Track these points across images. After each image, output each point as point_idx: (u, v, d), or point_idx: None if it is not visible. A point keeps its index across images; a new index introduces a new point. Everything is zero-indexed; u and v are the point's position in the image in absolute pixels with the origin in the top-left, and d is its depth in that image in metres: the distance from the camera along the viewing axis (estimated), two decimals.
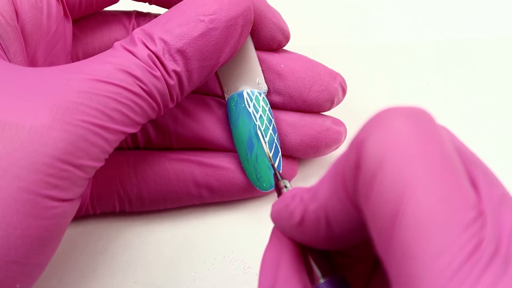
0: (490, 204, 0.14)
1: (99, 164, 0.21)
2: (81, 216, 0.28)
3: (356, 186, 0.15)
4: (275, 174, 0.24)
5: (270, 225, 0.29)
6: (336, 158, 0.16)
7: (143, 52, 0.22)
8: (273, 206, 0.19)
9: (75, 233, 0.28)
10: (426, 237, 0.13)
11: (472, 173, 0.15)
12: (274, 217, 0.19)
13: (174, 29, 0.23)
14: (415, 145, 0.14)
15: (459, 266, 0.12)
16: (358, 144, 0.15)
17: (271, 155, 0.27)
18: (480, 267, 0.12)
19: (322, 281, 0.18)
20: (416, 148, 0.14)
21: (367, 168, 0.14)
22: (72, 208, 0.21)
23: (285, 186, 0.23)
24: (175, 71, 0.23)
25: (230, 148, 0.28)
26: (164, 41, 0.23)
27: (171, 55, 0.23)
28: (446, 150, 0.14)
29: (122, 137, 0.22)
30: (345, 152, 0.16)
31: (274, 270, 0.18)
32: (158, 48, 0.22)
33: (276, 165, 0.27)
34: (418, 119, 0.14)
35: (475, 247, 0.13)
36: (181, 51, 0.23)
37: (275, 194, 0.29)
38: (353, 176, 0.15)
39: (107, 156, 0.21)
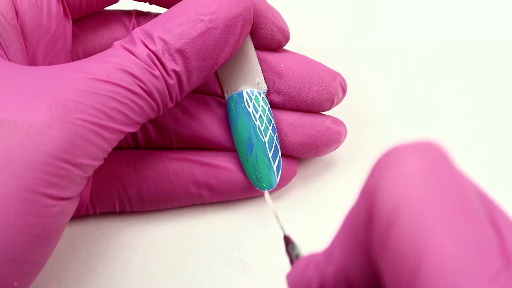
0: None
1: (97, 163, 0.21)
2: (81, 216, 0.28)
3: (371, 239, 0.13)
4: (285, 238, 0.22)
5: (270, 224, 0.29)
6: (347, 212, 0.15)
7: (142, 52, 0.22)
8: (288, 277, 0.18)
9: (75, 233, 0.28)
10: None
11: (494, 217, 0.14)
12: (292, 284, 0.17)
13: (174, 28, 0.23)
14: (431, 189, 0.13)
15: None
16: (369, 192, 0.13)
17: (271, 155, 0.27)
18: None
19: None
20: (433, 192, 0.13)
21: (381, 217, 0.13)
22: (71, 207, 0.21)
23: (294, 250, 0.22)
24: (174, 71, 0.23)
25: (230, 147, 0.28)
26: (164, 41, 0.23)
27: (170, 54, 0.23)
28: (465, 192, 0.13)
29: (121, 136, 0.22)
30: (355, 202, 0.14)
31: None
32: (158, 47, 0.22)
33: (276, 165, 0.27)
34: (432, 156, 0.13)
35: None
36: (180, 51, 0.23)
37: (276, 194, 0.29)
38: (366, 227, 0.13)
39: (106, 155, 0.21)
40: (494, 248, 0.12)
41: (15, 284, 0.19)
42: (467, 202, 0.13)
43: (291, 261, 0.21)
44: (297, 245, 0.22)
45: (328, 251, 0.16)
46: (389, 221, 0.13)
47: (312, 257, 0.17)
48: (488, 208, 0.14)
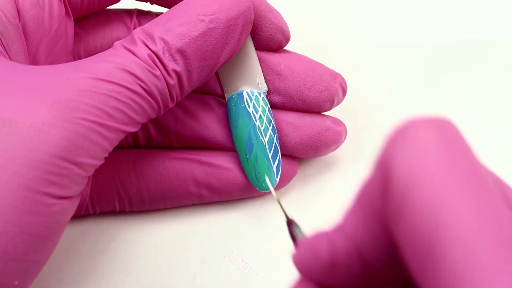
0: None
1: (98, 163, 0.21)
2: (81, 215, 0.28)
3: (386, 210, 0.14)
4: (288, 221, 0.22)
5: (270, 225, 0.29)
6: (360, 185, 0.15)
7: (143, 52, 0.22)
8: (295, 253, 0.18)
9: (75, 233, 0.28)
10: (470, 260, 0.12)
11: (503, 189, 0.14)
12: (298, 262, 0.17)
13: (174, 28, 0.23)
14: (445, 160, 0.13)
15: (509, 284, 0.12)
16: (384, 163, 0.14)
17: (270, 155, 0.27)
18: None
19: None
20: (446, 163, 0.13)
21: (396, 187, 0.13)
22: (71, 206, 0.21)
23: (299, 232, 0.22)
24: (175, 71, 0.23)
25: (230, 147, 0.28)
26: (164, 41, 0.23)
27: (171, 54, 0.23)
28: (476, 164, 0.13)
29: (122, 136, 0.22)
30: (369, 175, 0.15)
31: None
32: (158, 47, 0.22)
33: (275, 165, 0.27)
34: (445, 130, 0.13)
35: None
36: (181, 51, 0.23)
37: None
38: (382, 197, 0.14)
39: (106, 155, 0.21)
40: (506, 218, 0.13)
41: (16, 283, 0.19)
42: (480, 174, 0.13)
43: (296, 243, 0.21)
44: (302, 228, 0.21)
45: (340, 225, 0.16)
46: (404, 191, 0.13)
47: (321, 232, 0.16)
48: (499, 184, 0.14)
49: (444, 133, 0.13)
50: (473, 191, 0.13)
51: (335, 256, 0.15)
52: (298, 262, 0.17)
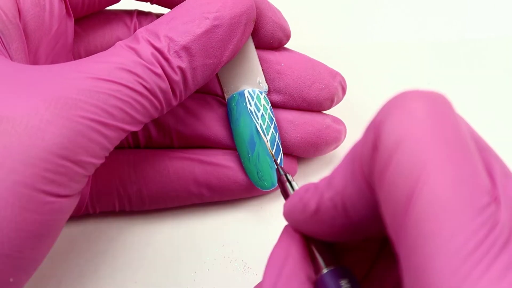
0: (505, 193, 0.14)
1: (98, 161, 0.21)
2: (81, 215, 0.28)
3: (373, 167, 0.15)
4: (277, 169, 0.24)
5: (271, 225, 0.29)
6: (353, 144, 0.16)
7: (146, 50, 0.22)
8: (286, 202, 0.19)
9: (75, 233, 0.28)
10: (440, 219, 0.13)
11: (488, 162, 0.15)
12: (287, 211, 0.19)
13: (179, 26, 0.23)
14: (432, 128, 0.14)
15: (473, 248, 0.12)
16: (376, 125, 0.15)
17: (273, 152, 0.27)
18: (495, 250, 0.13)
19: (325, 271, 0.18)
20: (433, 130, 0.14)
21: (384, 148, 0.14)
22: (70, 205, 0.21)
23: (289, 181, 0.23)
24: (180, 67, 0.23)
25: (231, 146, 0.28)
26: (170, 38, 0.23)
27: (176, 51, 0.23)
28: (462, 135, 0.14)
29: (123, 135, 0.22)
30: (362, 135, 0.16)
31: (280, 265, 0.18)
32: (164, 44, 0.23)
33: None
34: (436, 103, 0.14)
35: (489, 230, 0.13)
36: (186, 48, 0.23)
37: (276, 194, 0.29)
38: (370, 156, 0.15)
39: (107, 154, 0.21)
40: (485, 187, 0.13)
41: (11, 279, 0.19)
42: (464, 144, 0.14)
43: (283, 190, 0.23)
44: (295, 184, 0.23)
45: (330, 177, 0.17)
46: (390, 151, 0.14)
47: (312, 183, 0.18)
48: (484, 154, 0.15)
49: (435, 104, 0.14)
50: (454, 158, 0.13)
51: (322, 205, 0.17)
52: (287, 210, 0.18)
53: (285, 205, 0.19)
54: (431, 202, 0.13)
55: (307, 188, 0.18)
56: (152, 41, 0.22)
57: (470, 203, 0.13)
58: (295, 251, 0.18)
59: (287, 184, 0.23)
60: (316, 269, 0.18)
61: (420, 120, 0.14)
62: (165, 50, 0.22)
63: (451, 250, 0.12)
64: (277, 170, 0.24)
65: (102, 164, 0.22)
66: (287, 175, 0.23)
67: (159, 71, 0.22)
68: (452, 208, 0.13)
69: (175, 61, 0.23)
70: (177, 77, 0.23)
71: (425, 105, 0.14)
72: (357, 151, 0.16)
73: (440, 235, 0.13)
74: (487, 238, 0.13)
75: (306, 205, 0.17)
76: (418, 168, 0.13)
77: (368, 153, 0.15)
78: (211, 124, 0.28)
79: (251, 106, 0.27)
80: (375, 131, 0.15)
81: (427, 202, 0.13)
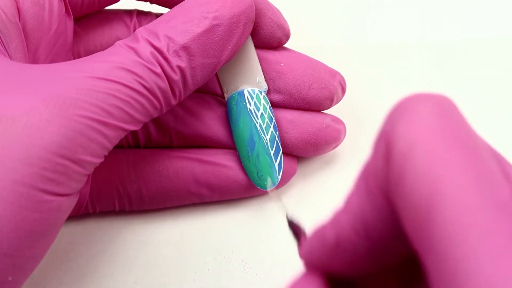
0: None
1: (98, 160, 0.21)
2: (81, 215, 0.28)
3: (388, 177, 0.14)
4: (290, 223, 0.22)
5: (270, 225, 0.29)
6: (363, 163, 0.16)
7: (145, 49, 0.22)
8: (303, 243, 0.18)
9: (75, 233, 0.28)
10: (467, 219, 0.12)
11: (502, 164, 0.15)
12: (305, 251, 0.17)
13: (178, 26, 0.23)
14: (444, 129, 0.14)
15: (507, 243, 0.12)
16: (386, 134, 0.14)
17: (272, 153, 0.27)
18: None
19: None
20: (445, 132, 0.14)
21: (397, 154, 0.14)
22: (69, 204, 0.21)
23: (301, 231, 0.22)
24: (179, 67, 0.23)
25: (230, 145, 0.28)
26: (169, 37, 0.23)
27: (175, 51, 0.23)
28: (473, 135, 0.14)
29: (123, 134, 0.22)
30: (372, 149, 0.15)
31: None
32: (163, 44, 0.23)
33: (277, 163, 0.27)
34: (443, 105, 0.14)
35: None
36: (185, 47, 0.23)
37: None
38: (384, 166, 0.14)
39: (106, 153, 0.21)
40: (502, 184, 0.13)
41: (10, 278, 0.19)
42: (476, 145, 0.14)
43: (300, 241, 0.21)
44: (303, 227, 0.21)
45: (345, 205, 0.16)
46: (405, 156, 0.13)
47: (326, 220, 0.17)
48: (496, 156, 0.15)
49: (443, 107, 0.14)
50: (470, 160, 0.13)
51: (342, 234, 0.16)
52: (305, 251, 0.17)
53: (301, 248, 0.18)
54: (454, 203, 0.13)
55: (322, 224, 0.17)
56: (152, 41, 0.22)
57: (493, 199, 0.13)
58: (318, 283, 0.17)
59: (296, 229, 0.22)
60: None
61: (431, 122, 0.14)
62: (164, 50, 0.22)
63: (487, 247, 0.12)
64: (290, 224, 0.23)
65: (102, 164, 0.22)
66: (295, 220, 0.22)
67: (159, 70, 0.22)
68: (476, 206, 0.13)
69: (175, 61, 0.23)
70: (176, 77, 0.23)
71: (433, 107, 0.14)
72: (369, 167, 0.15)
73: (471, 235, 0.12)
74: None
75: (324, 239, 0.16)
76: (435, 169, 0.13)
77: (381, 164, 0.14)
78: (211, 123, 0.28)
79: (250, 105, 0.27)
80: (386, 140, 0.14)
81: (450, 204, 0.13)
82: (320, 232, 0.17)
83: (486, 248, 0.12)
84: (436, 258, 0.13)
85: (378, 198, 0.15)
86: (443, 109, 0.14)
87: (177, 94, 0.23)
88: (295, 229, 0.22)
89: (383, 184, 0.15)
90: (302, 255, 0.18)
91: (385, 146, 0.14)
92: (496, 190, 0.13)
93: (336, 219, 0.16)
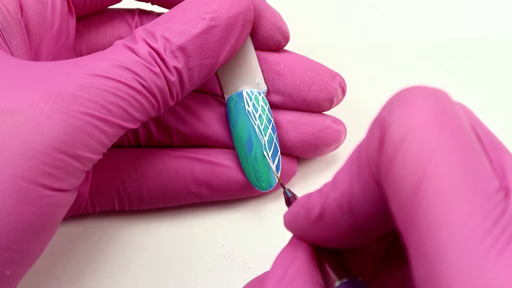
0: None
1: (96, 157, 0.21)
2: (81, 215, 0.28)
3: (379, 160, 0.15)
4: (284, 192, 0.24)
5: (271, 225, 0.29)
6: (357, 144, 0.16)
7: (143, 49, 0.22)
8: (287, 211, 0.19)
9: (75, 233, 0.28)
10: (451, 204, 0.13)
11: (499, 155, 0.15)
12: (289, 219, 0.18)
13: (176, 26, 0.23)
14: (437, 120, 0.14)
15: (488, 230, 0.13)
16: (381, 120, 0.15)
17: (270, 154, 0.27)
18: (510, 232, 0.13)
19: (338, 283, 0.17)
20: (438, 122, 0.14)
21: (391, 140, 0.14)
22: (67, 199, 0.21)
23: (294, 196, 0.23)
24: (175, 68, 0.23)
25: (230, 145, 0.28)
26: (166, 38, 0.23)
27: (172, 52, 0.23)
28: (464, 128, 0.14)
29: (121, 132, 0.22)
30: (367, 132, 0.16)
31: (286, 265, 0.17)
32: (160, 44, 0.23)
33: (275, 164, 0.27)
34: (439, 97, 0.15)
35: (499, 215, 0.13)
36: (182, 48, 0.23)
37: (276, 194, 0.29)
38: (377, 150, 0.15)
39: (105, 150, 0.21)
40: (492, 174, 0.14)
41: (8, 272, 0.19)
42: (466, 135, 0.14)
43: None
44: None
45: (333, 179, 0.17)
46: (398, 142, 0.14)
47: (315, 190, 0.17)
48: (495, 147, 0.15)
49: (438, 98, 0.15)
50: (460, 148, 0.14)
51: (327, 208, 0.17)
52: (290, 218, 0.18)
53: (286, 214, 0.19)
54: (441, 189, 0.13)
55: (309, 194, 0.18)
56: (149, 41, 0.23)
57: (479, 189, 0.13)
58: (302, 257, 0.18)
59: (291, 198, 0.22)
60: (328, 282, 0.17)
61: (426, 113, 0.14)
62: (161, 51, 0.23)
63: (466, 234, 0.13)
64: (284, 193, 0.24)
65: (102, 162, 0.22)
66: (294, 196, 0.23)
67: (157, 70, 0.22)
68: (461, 194, 0.13)
69: (171, 62, 0.23)
70: (173, 78, 0.23)
71: (430, 99, 0.15)
72: (363, 148, 0.16)
73: (453, 220, 0.13)
74: (499, 221, 0.13)
75: (310, 210, 0.17)
76: (426, 157, 0.14)
77: (374, 147, 0.15)
78: (211, 123, 0.28)
79: (249, 106, 0.27)
80: (381, 126, 0.15)
81: (437, 189, 0.13)
82: (306, 202, 0.17)
83: (465, 233, 0.13)
84: (418, 240, 0.13)
85: (368, 179, 0.15)
86: (439, 102, 0.15)
87: (175, 94, 0.23)
88: (289, 200, 0.23)
89: (374, 167, 0.15)
90: (286, 224, 0.18)
91: (380, 131, 0.15)
92: (483, 180, 0.13)
93: (323, 193, 0.17)
